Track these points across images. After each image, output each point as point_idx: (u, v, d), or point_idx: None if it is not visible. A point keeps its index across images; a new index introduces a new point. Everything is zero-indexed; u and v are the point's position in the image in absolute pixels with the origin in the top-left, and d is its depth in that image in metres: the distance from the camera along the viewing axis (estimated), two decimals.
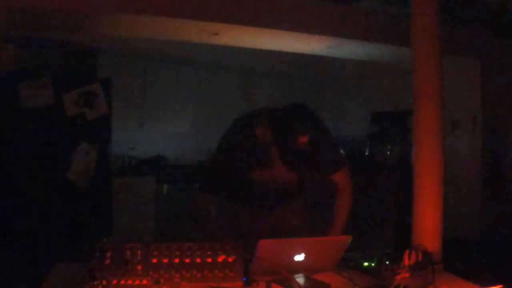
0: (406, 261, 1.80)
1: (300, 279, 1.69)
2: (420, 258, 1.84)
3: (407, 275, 1.76)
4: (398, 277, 1.70)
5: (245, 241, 1.71)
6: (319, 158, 1.96)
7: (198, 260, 1.64)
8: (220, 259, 1.64)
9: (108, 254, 1.59)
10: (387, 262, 1.81)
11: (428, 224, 2.08)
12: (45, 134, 3.66)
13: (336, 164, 2.13)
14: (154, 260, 1.62)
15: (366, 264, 1.85)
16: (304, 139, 1.80)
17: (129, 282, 1.59)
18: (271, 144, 1.88)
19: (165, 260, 1.62)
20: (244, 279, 1.65)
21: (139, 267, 1.60)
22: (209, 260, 1.64)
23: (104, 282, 1.56)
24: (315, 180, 2.24)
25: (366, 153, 6.00)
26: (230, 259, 1.65)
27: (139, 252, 1.61)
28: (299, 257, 1.72)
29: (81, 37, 4.19)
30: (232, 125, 2.09)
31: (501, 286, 1.62)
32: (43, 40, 4.03)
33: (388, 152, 5.68)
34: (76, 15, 3.48)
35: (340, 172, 2.14)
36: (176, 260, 1.63)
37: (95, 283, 1.55)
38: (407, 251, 1.82)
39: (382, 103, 6.13)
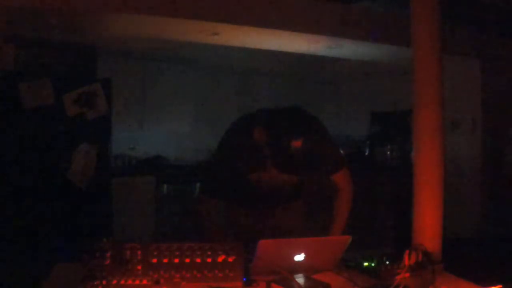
0: (406, 261, 1.80)
1: (300, 279, 1.69)
2: (420, 258, 1.83)
3: (407, 275, 1.76)
4: (398, 277, 1.70)
5: (245, 241, 1.70)
6: (317, 160, 1.96)
7: (198, 260, 1.63)
8: (220, 259, 1.64)
9: (108, 254, 1.59)
10: (387, 262, 1.81)
11: (428, 224, 2.08)
12: (45, 134, 3.67)
13: (336, 165, 2.13)
14: (154, 260, 1.62)
15: (366, 264, 1.85)
16: (297, 144, 1.79)
17: (129, 282, 1.59)
18: (267, 146, 1.88)
19: (165, 260, 1.62)
20: (244, 279, 1.65)
21: (139, 267, 1.60)
22: (209, 260, 1.64)
23: (104, 282, 1.56)
24: (316, 180, 2.24)
25: (366, 153, 6.00)
26: (230, 259, 1.64)
27: (139, 252, 1.61)
28: (299, 257, 1.72)
29: (81, 37, 4.19)
30: (230, 127, 2.09)
31: (501, 286, 1.62)
32: (43, 40, 4.03)
33: (388, 152, 5.67)
34: (76, 15, 3.48)
35: (339, 172, 2.14)
36: (176, 260, 1.63)
37: (95, 283, 1.55)
38: (407, 251, 1.82)
39: (382, 103, 6.13)
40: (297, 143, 1.79)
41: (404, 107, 5.25)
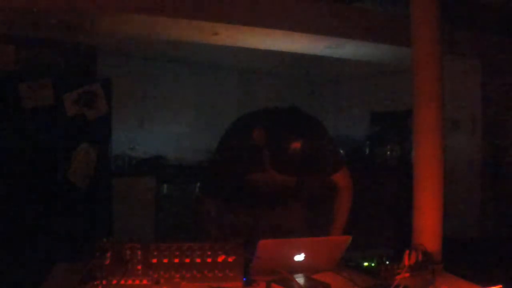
0: (406, 261, 1.80)
1: (300, 279, 1.69)
2: (420, 258, 1.83)
3: (407, 275, 1.76)
4: (398, 277, 1.70)
5: (245, 241, 1.70)
6: (316, 161, 1.95)
7: (198, 260, 1.63)
8: (220, 259, 1.64)
9: (108, 254, 1.58)
10: (387, 262, 1.80)
11: (428, 224, 2.08)
12: (45, 134, 3.67)
13: (335, 165, 2.13)
14: (154, 260, 1.62)
15: (366, 264, 1.85)
16: (296, 145, 1.79)
17: (129, 282, 1.59)
18: (266, 147, 1.87)
19: (165, 260, 1.62)
20: (244, 279, 1.65)
21: (139, 267, 1.60)
22: (209, 260, 1.64)
23: (104, 282, 1.56)
24: (315, 180, 2.24)
25: (366, 153, 6.00)
26: (230, 259, 1.64)
27: (139, 252, 1.61)
28: (299, 257, 1.72)
29: (81, 37, 4.19)
30: (229, 127, 2.09)
31: (501, 286, 1.62)
32: (43, 40, 4.03)
33: (388, 152, 5.67)
34: (76, 15, 3.48)
35: (339, 172, 2.14)
36: (176, 260, 1.62)
37: (95, 283, 1.55)
38: (407, 251, 1.82)
39: (382, 103, 6.13)
40: (296, 144, 1.79)
41: (404, 107, 5.25)
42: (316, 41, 4.30)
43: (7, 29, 3.74)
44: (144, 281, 1.60)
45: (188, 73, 5.79)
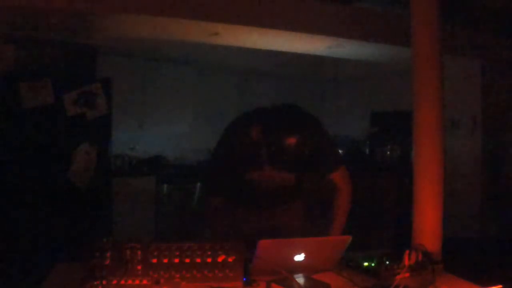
0: (406, 261, 1.80)
1: (300, 279, 1.69)
2: (420, 258, 1.84)
3: (407, 275, 1.76)
4: (398, 277, 1.70)
5: (245, 241, 1.70)
6: (314, 158, 1.96)
7: (198, 260, 1.63)
8: (220, 259, 1.64)
9: (108, 254, 1.59)
10: (387, 262, 1.81)
11: (428, 224, 2.08)
12: (45, 134, 3.67)
13: (333, 164, 2.13)
14: (154, 260, 1.62)
15: (366, 264, 1.85)
16: (294, 142, 1.79)
17: (129, 282, 1.59)
18: (263, 145, 1.88)
19: (165, 260, 1.62)
20: (244, 279, 1.65)
21: (139, 267, 1.60)
22: (209, 260, 1.64)
23: (104, 282, 1.56)
24: (314, 180, 2.24)
25: (366, 153, 6.00)
26: (230, 259, 1.65)
27: (139, 252, 1.61)
28: (299, 257, 1.72)
29: (81, 37, 4.19)
30: (228, 126, 2.10)
31: (501, 286, 1.62)
32: (43, 40, 4.03)
33: (388, 152, 5.67)
34: (76, 15, 3.48)
35: (338, 172, 2.14)
36: (176, 260, 1.63)
37: (95, 283, 1.55)
38: (407, 251, 1.82)
39: (382, 103, 6.13)
40: (292, 141, 1.79)
41: (404, 107, 5.25)
42: (316, 41, 4.30)
43: (7, 29, 3.74)
44: (144, 281, 1.60)
45: (188, 73, 5.78)
